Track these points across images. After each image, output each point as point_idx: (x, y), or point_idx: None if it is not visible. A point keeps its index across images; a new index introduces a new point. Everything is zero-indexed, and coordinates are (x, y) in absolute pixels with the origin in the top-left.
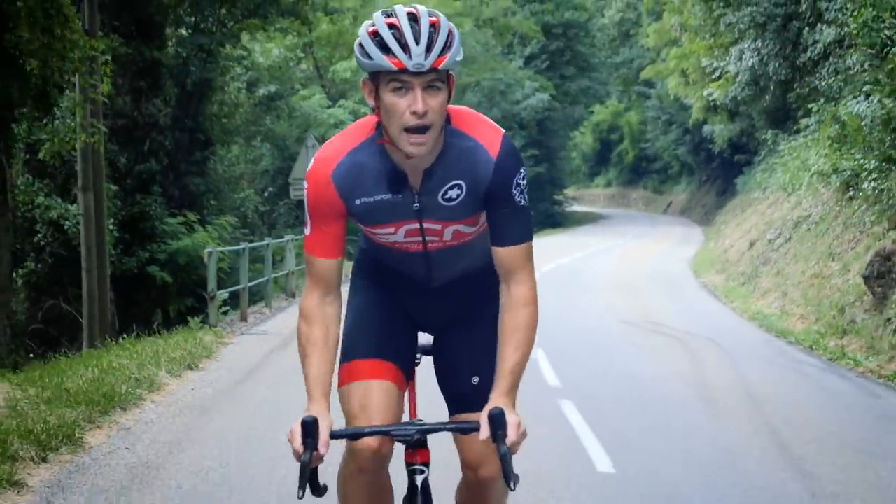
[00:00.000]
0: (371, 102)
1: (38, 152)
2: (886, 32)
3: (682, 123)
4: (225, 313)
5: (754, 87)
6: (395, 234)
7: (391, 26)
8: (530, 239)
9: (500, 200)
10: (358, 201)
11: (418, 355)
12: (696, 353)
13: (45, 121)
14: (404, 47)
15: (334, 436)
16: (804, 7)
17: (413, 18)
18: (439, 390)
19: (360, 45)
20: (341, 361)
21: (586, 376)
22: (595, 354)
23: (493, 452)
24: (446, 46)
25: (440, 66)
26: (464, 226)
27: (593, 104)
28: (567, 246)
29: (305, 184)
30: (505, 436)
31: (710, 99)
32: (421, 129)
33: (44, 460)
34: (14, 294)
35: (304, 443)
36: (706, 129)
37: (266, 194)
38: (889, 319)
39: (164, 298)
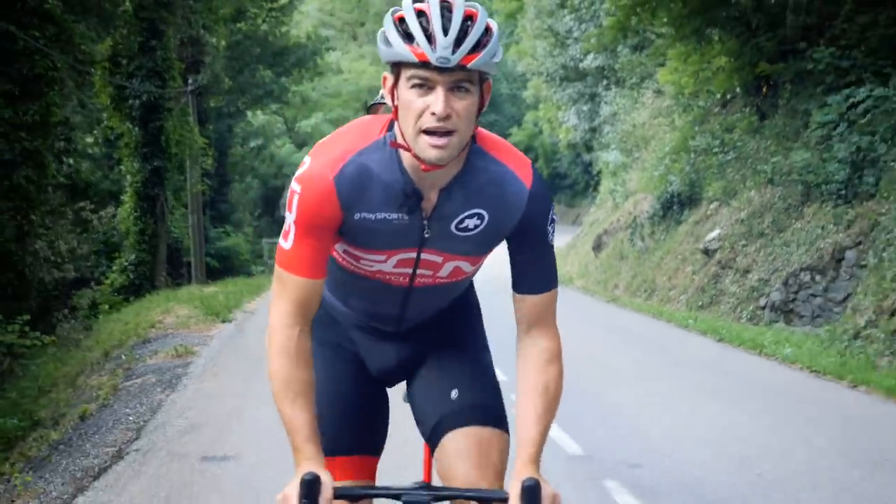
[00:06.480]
0: (389, 100)
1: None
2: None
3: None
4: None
5: (591, 133)
6: (385, 263)
7: (419, 13)
8: (557, 284)
9: (532, 238)
10: (357, 215)
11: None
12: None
13: (182, 178)
14: (429, 37)
15: (339, 495)
16: (600, 89)
17: (446, 7)
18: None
19: (383, 31)
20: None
21: None
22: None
23: (482, 479)
24: (480, 44)
25: (469, 65)
26: (468, 263)
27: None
28: None
29: (297, 187)
30: None
31: (563, 138)
32: (442, 132)
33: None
34: None
35: None
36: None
37: (256, 213)
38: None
39: (217, 275)
